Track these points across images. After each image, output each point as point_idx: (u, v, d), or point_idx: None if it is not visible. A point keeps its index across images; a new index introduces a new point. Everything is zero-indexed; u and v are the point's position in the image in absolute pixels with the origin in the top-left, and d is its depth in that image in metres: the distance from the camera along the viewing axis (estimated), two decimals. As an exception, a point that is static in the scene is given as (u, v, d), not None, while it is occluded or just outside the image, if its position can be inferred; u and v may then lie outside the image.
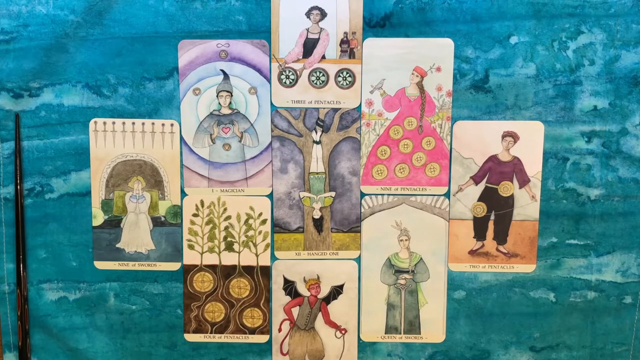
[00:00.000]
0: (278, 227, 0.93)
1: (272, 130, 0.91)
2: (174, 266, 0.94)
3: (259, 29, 0.88)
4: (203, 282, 0.94)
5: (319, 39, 0.88)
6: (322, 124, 0.91)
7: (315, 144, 0.92)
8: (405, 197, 0.92)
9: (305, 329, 0.96)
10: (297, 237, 0.94)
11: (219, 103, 0.91)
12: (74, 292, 0.94)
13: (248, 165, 0.92)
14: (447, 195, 0.92)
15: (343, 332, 0.96)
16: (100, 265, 0.94)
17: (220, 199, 0.92)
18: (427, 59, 0.88)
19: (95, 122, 0.90)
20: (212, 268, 0.94)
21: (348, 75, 0.89)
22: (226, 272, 0.94)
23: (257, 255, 0.94)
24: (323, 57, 0.89)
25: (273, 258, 0.94)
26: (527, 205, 0.92)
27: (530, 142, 0.90)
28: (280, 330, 0.96)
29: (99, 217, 0.93)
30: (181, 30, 0.87)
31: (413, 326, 0.95)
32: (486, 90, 0.88)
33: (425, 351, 0.96)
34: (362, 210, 0.93)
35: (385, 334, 0.96)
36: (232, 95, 0.90)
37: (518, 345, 0.95)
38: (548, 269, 0.93)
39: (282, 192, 0.93)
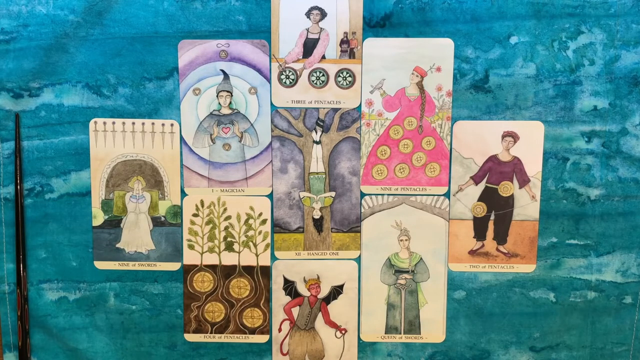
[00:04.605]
0: (278, 227, 0.93)
1: (272, 130, 0.91)
2: (174, 266, 0.94)
3: (259, 29, 0.88)
4: (203, 282, 0.94)
5: (319, 39, 0.88)
6: (322, 124, 0.91)
7: (315, 144, 0.92)
8: (405, 197, 0.92)
9: (305, 329, 0.96)
10: (297, 237, 0.94)
11: (219, 103, 0.91)
12: (74, 292, 0.94)
13: (248, 165, 0.92)
14: (447, 195, 0.92)
15: (343, 332, 0.96)
16: (100, 265, 0.94)
17: (220, 199, 0.92)
18: (427, 59, 0.88)
19: (95, 122, 0.90)
20: (212, 268, 0.94)
21: (348, 75, 0.89)
22: (226, 272, 0.94)
23: (257, 255, 0.94)
24: (323, 57, 0.89)
25: (273, 258, 0.94)
26: (527, 205, 0.92)
27: (530, 142, 0.90)
28: (280, 330, 0.96)
29: (99, 217, 0.93)
30: (181, 30, 0.87)
31: (413, 326, 0.95)
32: (486, 90, 0.88)
33: (425, 351, 0.96)
34: (362, 210, 0.93)
35: (385, 334, 0.96)
36: (232, 95, 0.90)
37: (518, 345, 0.95)
38: (548, 269, 0.93)
39: (282, 192, 0.93)
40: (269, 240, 0.93)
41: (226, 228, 0.93)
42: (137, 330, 0.95)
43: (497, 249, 0.93)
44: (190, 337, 0.96)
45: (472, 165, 0.91)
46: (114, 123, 0.90)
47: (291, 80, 0.89)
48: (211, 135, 0.91)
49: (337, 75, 0.89)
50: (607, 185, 0.91)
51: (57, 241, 0.93)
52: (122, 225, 0.93)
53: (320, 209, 0.93)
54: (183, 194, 0.92)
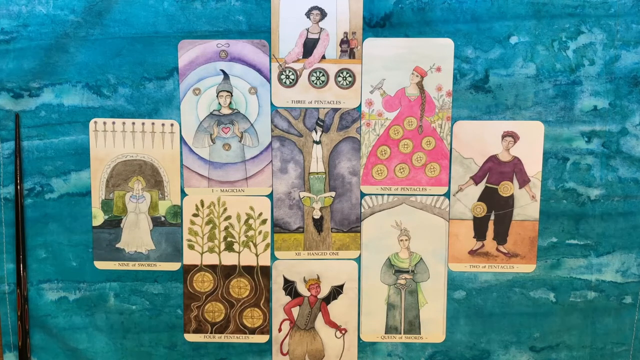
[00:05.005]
0: (278, 227, 0.93)
1: (272, 130, 0.91)
2: (174, 266, 0.94)
3: (259, 29, 0.88)
4: (203, 282, 0.94)
5: (319, 39, 0.88)
6: (322, 124, 0.91)
7: (315, 144, 0.92)
8: (405, 197, 0.92)
9: (305, 329, 0.96)
10: (297, 237, 0.94)
11: (219, 103, 0.91)
12: (74, 292, 0.94)
13: (248, 165, 0.92)
14: (447, 195, 0.92)
15: (343, 332, 0.96)
16: (100, 265, 0.94)
17: (220, 199, 0.92)
18: (427, 59, 0.88)
19: (95, 122, 0.90)
20: (212, 268, 0.94)
21: (348, 75, 0.89)
22: (226, 272, 0.94)
23: (257, 255, 0.94)
24: (323, 57, 0.89)
25: (273, 258, 0.94)
26: (527, 205, 0.92)
27: (530, 142, 0.90)
28: (280, 330, 0.96)
29: (99, 217, 0.93)
30: (181, 30, 0.87)
31: (413, 326, 0.95)
32: (486, 90, 0.88)
33: (425, 351, 0.96)
34: (362, 210, 0.93)
35: (385, 334, 0.96)
36: (232, 95, 0.90)
37: (518, 345, 0.95)
38: (548, 269, 0.93)
39: (282, 192, 0.93)
40: (269, 240, 0.93)
41: (226, 228, 0.93)
42: (137, 330, 0.95)
43: (497, 249, 0.93)
44: (190, 337, 0.96)
45: (472, 165, 0.91)
46: (114, 123, 0.90)
47: (291, 80, 0.89)
48: (211, 135, 0.91)
49: (337, 75, 0.89)
50: (607, 185, 0.91)
51: (57, 241, 0.93)
52: (122, 225, 0.93)
53: (320, 209, 0.93)
54: (183, 194, 0.92)
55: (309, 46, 0.89)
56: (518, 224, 0.92)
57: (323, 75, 0.89)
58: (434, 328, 0.95)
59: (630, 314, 0.94)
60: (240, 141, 0.92)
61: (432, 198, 0.92)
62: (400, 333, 0.96)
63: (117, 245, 0.93)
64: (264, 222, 0.93)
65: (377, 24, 0.87)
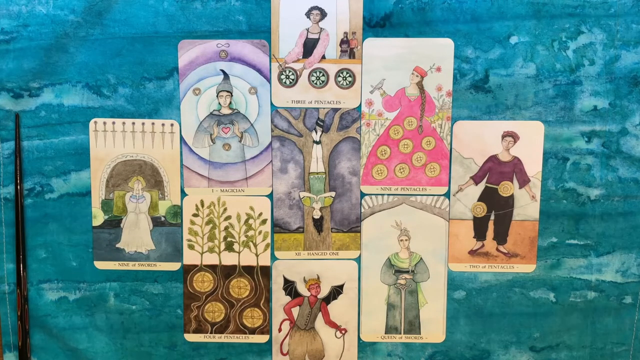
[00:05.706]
0: (278, 227, 0.93)
1: (272, 130, 0.91)
2: (174, 266, 0.94)
3: (259, 29, 0.88)
4: (203, 282, 0.94)
5: (319, 39, 0.88)
6: (322, 124, 0.91)
7: (315, 144, 0.92)
8: (405, 197, 0.92)
9: (305, 329, 0.96)
10: (297, 237, 0.94)
11: (219, 103, 0.91)
12: (74, 292, 0.94)
13: (248, 165, 0.92)
14: (447, 195, 0.92)
15: (343, 332, 0.96)
16: (100, 265, 0.94)
17: (220, 199, 0.92)
18: (427, 59, 0.88)
19: (95, 122, 0.90)
20: (212, 268, 0.94)
21: (348, 75, 0.89)
22: (226, 272, 0.94)
23: (257, 255, 0.94)
24: (323, 57, 0.89)
25: (273, 258, 0.94)
26: (527, 205, 0.92)
27: (530, 142, 0.90)
28: (280, 330, 0.96)
29: (99, 217, 0.93)
30: (181, 30, 0.87)
31: (413, 326, 0.95)
32: (486, 90, 0.88)
33: (425, 351, 0.96)
34: (362, 210, 0.93)
35: (385, 334, 0.96)
36: (232, 95, 0.90)
37: (518, 345, 0.95)
38: (548, 269, 0.93)
39: (282, 192, 0.93)
40: (269, 240, 0.93)
41: (226, 228, 0.93)
42: (137, 330, 0.95)
43: (497, 249, 0.93)
44: (190, 337, 0.96)
45: (472, 165, 0.91)
46: (114, 123, 0.90)
47: (291, 80, 0.89)
48: (211, 135, 0.91)
49: (337, 75, 0.89)
50: (607, 185, 0.91)
51: (57, 241, 0.93)
52: (122, 225, 0.93)
53: (320, 209, 0.93)
54: (183, 194, 0.92)
55: (309, 46, 0.89)
56: (518, 224, 0.92)
57: (323, 75, 0.89)
58: (434, 328, 0.95)
59: (630, 314, 0.94)
60: (240, 141, 0.92)
61: (432, 198, 0.92)
62: (400, 333, 0.96)
63: (117, 245, 0.93)
64: (264, 222, 0.93)
65: (377, 24, 0.87)
